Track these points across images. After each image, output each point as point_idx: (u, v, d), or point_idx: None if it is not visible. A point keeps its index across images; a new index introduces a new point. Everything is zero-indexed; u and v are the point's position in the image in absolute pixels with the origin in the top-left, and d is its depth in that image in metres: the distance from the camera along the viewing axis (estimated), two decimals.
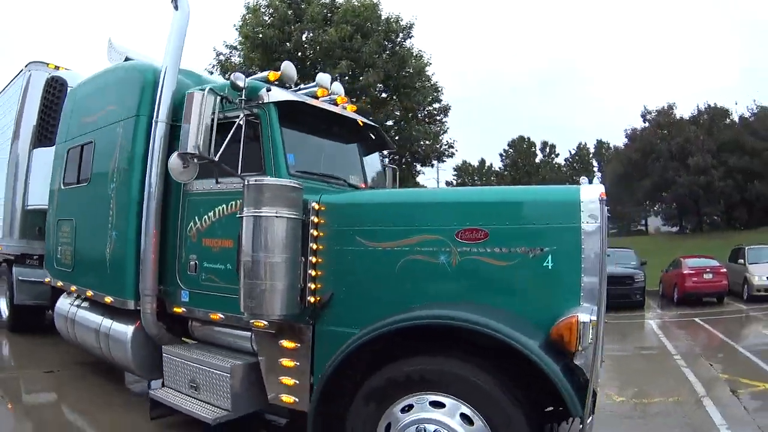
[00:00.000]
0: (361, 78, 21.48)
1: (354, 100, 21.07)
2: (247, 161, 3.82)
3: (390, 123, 23.49)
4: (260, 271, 3.25)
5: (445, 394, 2.77)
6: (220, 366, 3.74)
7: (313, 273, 3.46)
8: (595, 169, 57.73)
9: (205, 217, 4.13)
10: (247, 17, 22.46)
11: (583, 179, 3.36)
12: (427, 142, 25.26)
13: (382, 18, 22.63)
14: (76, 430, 4.50)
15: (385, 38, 22.25)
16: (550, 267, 2.93)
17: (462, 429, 2.71)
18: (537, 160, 60.69)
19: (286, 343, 3.53)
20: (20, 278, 6.93)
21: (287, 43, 21.77)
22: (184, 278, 4.24)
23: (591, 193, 3.00)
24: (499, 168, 60.93)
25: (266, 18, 22.41)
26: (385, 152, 6.01)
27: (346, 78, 21.08)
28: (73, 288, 5.46)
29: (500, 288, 3.08)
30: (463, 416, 2.74)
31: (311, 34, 21.95)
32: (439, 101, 25.86)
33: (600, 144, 58.39)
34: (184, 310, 4.27)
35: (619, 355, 8.07)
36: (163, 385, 4.21)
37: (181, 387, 4.04)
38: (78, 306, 5.42)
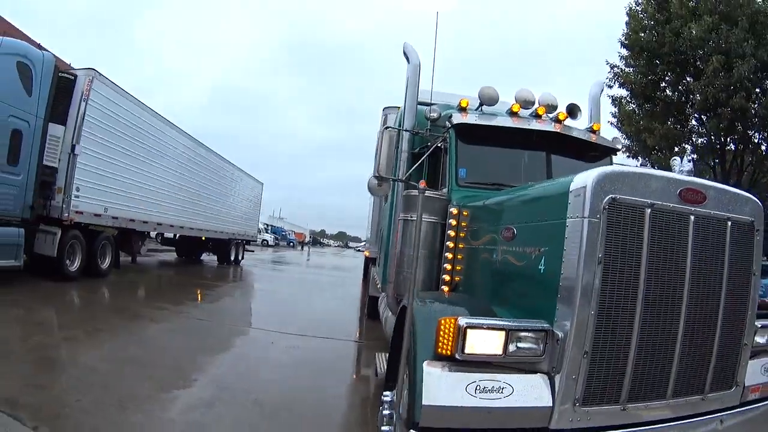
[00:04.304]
0: (733, 71, 18.12)
1: (724, 96, 17.93)
2: (444, 177, 4.82)
3: None
4: (404, 262, 4.18)
5: None
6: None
7: (448, 266, 4.10)
8: None
9: None
10: (629, 25, 22.22)
11: None
12: None
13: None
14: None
15: (752, 21, 18.11)
16: (542, 270, 2.71)
17: None
18: None
19: None
20: (373, 275, 9.16)
21: (662, 47, 20.39)
22: None
23: (581, 182, 2.57)
24: None
25: (645, 22, 21.65)
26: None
27: (721, 73, 18.20)
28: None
29: (518, 286, 3.04)
30: None
31: (680, 33, 19.85)
32: None
33: None
34: None
35: None
36: None
37: None
38: None
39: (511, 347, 2.42)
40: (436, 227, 4.17)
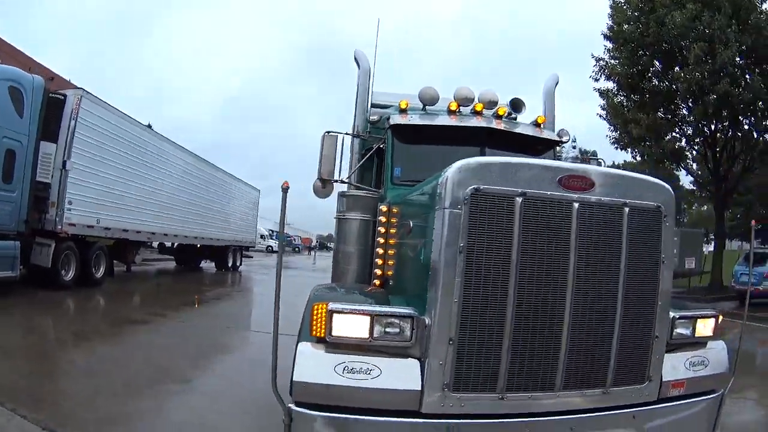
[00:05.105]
0: (716, 57, 18.38)
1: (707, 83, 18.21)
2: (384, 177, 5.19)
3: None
4: (338, 257, 4.61)
5: None
6: None
7: (379, 261, 4.46)
8: None
9: None
10: (612, 17, 22.42)
11: None
12: None
13: None
14: None
15: (735, 7, 18.42)
16: (421, 260, 2.85)
17: None
18: None
19: None
20: None
21: (646, 37, 20.60)
22: None
23: (449, 171, 2.65)
24: None
25: (629, 13, 21.86)
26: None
27: (708, 60, 18.49)
28: None
29: (411, 277, 3.28)
30: None
31: (663, 22, 20.08)
32: None
33: None
34: None
35: None
36: None
37: None
38: None
39: (378, 332, 2.53)
40: (368, 224, 4.57)
